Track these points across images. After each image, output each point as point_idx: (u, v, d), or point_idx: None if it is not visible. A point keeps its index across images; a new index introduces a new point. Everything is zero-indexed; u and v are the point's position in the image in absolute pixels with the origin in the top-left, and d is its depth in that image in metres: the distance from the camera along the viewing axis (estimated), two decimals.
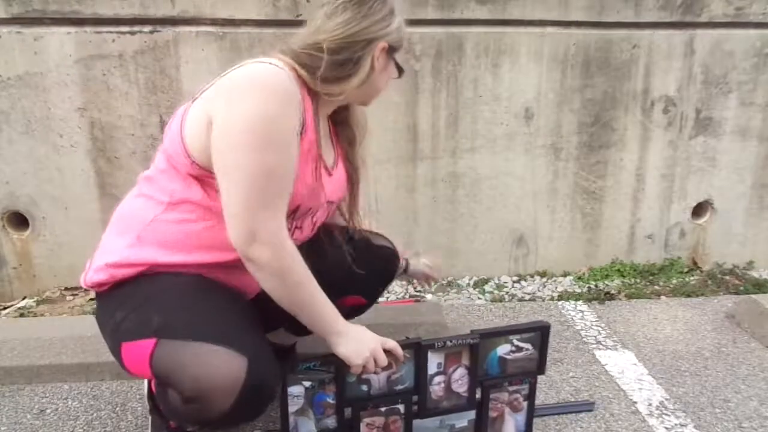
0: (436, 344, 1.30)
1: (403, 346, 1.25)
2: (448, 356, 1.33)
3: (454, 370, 1.34)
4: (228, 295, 1.22)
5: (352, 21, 1.17)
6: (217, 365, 1.03)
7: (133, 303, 1.16)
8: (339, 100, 1.25)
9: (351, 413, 1.30)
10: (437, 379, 1.33)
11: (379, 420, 1.31)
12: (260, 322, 1.20)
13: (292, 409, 1.25)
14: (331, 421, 1.29)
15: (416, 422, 1.35)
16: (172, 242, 1.18)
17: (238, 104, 1.07)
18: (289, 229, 1.24)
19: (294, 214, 1.23)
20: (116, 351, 1.15)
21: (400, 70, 1.31)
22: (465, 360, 1.34)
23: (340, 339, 1.18)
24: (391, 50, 1.24)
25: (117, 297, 1.19)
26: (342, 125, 1.38)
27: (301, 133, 1.15)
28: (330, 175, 1.31)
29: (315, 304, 1.17)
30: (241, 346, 1.05)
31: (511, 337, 1.36)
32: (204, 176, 1.15)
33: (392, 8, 1.22)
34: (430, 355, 1.31)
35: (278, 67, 1.12)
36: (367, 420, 1.31)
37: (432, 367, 1.32)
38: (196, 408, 1.06)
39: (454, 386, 1.35)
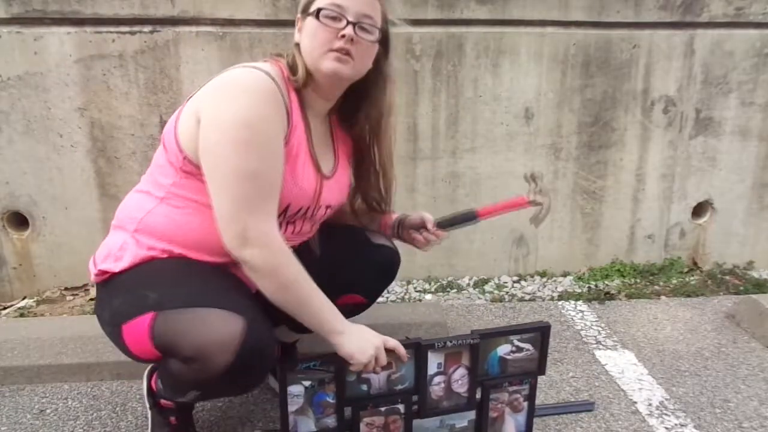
0: (436, 344, 1.30)
1: (403, 346, 1.26)
2: (448, 356, 1.33)
3: (454, 371, 1.34)
4: (219, 271, 1.23)
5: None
6: (216, 324, 1.07)
7: (128, 287, 1.20)
8: (322, 91, 1.25)
9: (351, 413, 1.30)
10: (437, 379, 1.33)
11: (378, 420, 1.32)
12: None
13: (291, 408, 1.26)
14: (330, 421, 1.29)
15: (416, 422, 1.35)
16: (164, 234, 1.22)
17: (222, 107, 1.10)
18: (282, 230, 1.25)
19: (284, 213, 1.24)
20: (118, 336, 1.18)
21: (318, 14, 1.17)
22: (465, 360, 1.34)
23: (343, 338, 1.18)
24: (303, 11, 1.21)
25: (112, 286, 1.23)
26: (353, 121, 1.36)
27: (287, 134, 1.17)
28: (326, 178, 1.31)
29: (312, 304, 1.17)
30: (237, 309, 1.09)
31: (511, 338, 1.36)
32: (196, 173, 1.17)
33: None
34: (430, 355, 1.31)
35: (262, 70, 1.15)
36: (366, 420, 1.31)
37: (432, 367, 1.32)
38: (196, 368, 1.09)
39: (454, 386, 1.35)
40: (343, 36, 1.15)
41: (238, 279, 1.24)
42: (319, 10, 1.16)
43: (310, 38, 1.18)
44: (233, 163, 1.09)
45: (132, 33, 2.06)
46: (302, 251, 1.30)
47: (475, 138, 2.30)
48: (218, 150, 1.10)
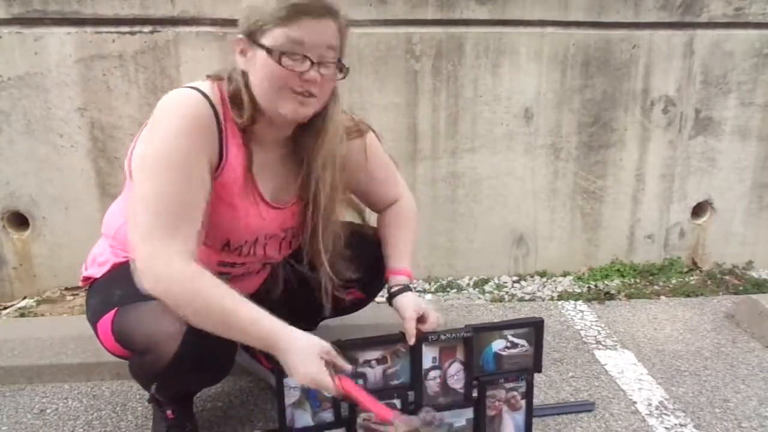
0: (430, 337, 1.31)
1: (397, 340, 1.27)
2: (442, 350, 1.34)
3: (450, 365, 1.35)
4: None
5: None
6: (162, 314, 1.07)
7: (103, 288, 1.24)
8: (274, 126, 1.15)
9: (348, 408, 1.30)
10: (432, 373, 1.34)
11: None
12: None
13: (288, 401, 1.27)
14: (327, 415, 1.30)
15: None
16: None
17: (145, 130, 1.11)
18: (234, 263, 1.27)
19: (228, 246, 1.23)
20: (96, 335, 1.22)
21: (277, 58, 1.03)
22: (460, 355, 1.35)
23: (279, 356, 1.08)
24: (250, 37, 1.06)
25: (93, 290, 1.29)
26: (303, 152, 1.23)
27: (219, 165, 1.12)
28: (273, 208, 1.25)
29: (227, 323, 1.05)
30: None
31: (505, 333, 1.38)
32: None
33: None
34: (424, 348, 1.31)
35: (202, 92, 1.08)
36: (363, 415, 1.31)
37: (427, 361, 1.33)
38: (149, 361, 1.11)
39: (450, 382, 1.35)
40: (307, 79, 1.05)
41: None
42: (279, 53, 1.03)
43: (265, 78, 1.06)
44: (148, 191, 1.05)
45: (132, 33, 2.06)
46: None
47: (475, 138, 2.30)
48: (137, 184, 1.07)
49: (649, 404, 1.61)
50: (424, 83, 2.22)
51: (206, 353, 1.10)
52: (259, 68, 1.06)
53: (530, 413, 1.43)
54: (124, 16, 2.04)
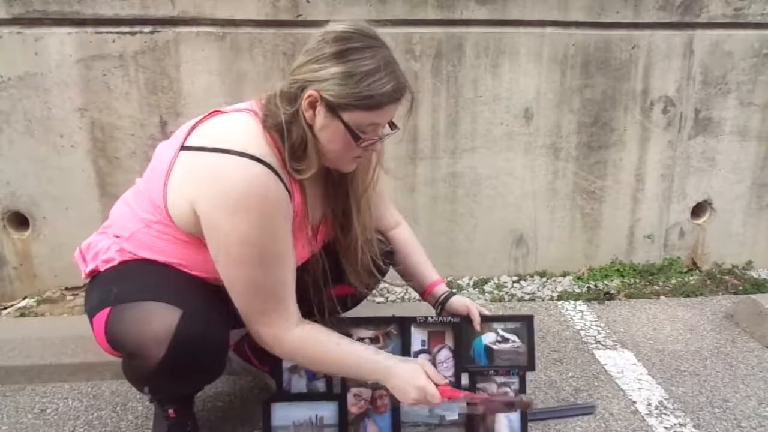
0: (417, 319, 1.35)
1: (387, 322, 1.30)
2: (431, 335, 1.36)
3: (439, 351, 1.37)
4: (188, 275, 1.24)
5: (300, 60, 1.10)
6: (151, 317, 1.09)
7: (102, 281, 1.23)
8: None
9: (340, 382, 1.33)
10: (421, 357, 1.35)
11: (366, 392, 1.35)
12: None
13: (285, 365, 1.32)
14: (320, 384, 1.34)
15: (405, 407, 1.35)
16: (150, 249, 1.22)
17: (222, 222, 1.08)
18: None
19: None
20: (92, 330, 1.20)
21: (356, 138, 1.10)
22: (449, 341, 1.37)
23: (387, 383, 1.21)
24: (329, 106, 1.07)
25: (94, 282, 1.27)
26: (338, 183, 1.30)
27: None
28: (314, 230, 1.30)
29: (344, 369, 1.22)
30: (178, 301, 1.11)
31: (495, 326, 1.40)
32: (185, 238, 1.18)
33: (336, 52, 1.05)
34: (413, 330, 1.34)
35: (263, 163, 1.08)
36: (354, 390, 1.34)
37: (416, 343, 1.35)
38: (138, 364, 1.12)
39: (440, 368, 1.36)
40: (372, 149, 1.18)
41: (202, 280, 1.24)
42: (358, 134, 1.10)
43: (336, 144, 1.12)
44: (241, 278, 1.13)
45: (132, 33, 2.06)
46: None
47: (475, 138, 2.30)
48: (226, 271, 1.13)
49: (649, 404, 1.61)
50: (424, 83, 2.22)
51: (194, 358, 1.11)
52: (331, 134, 1.11)
53: (525, 415, 1.42)
54: (124, 17, 2.04)
